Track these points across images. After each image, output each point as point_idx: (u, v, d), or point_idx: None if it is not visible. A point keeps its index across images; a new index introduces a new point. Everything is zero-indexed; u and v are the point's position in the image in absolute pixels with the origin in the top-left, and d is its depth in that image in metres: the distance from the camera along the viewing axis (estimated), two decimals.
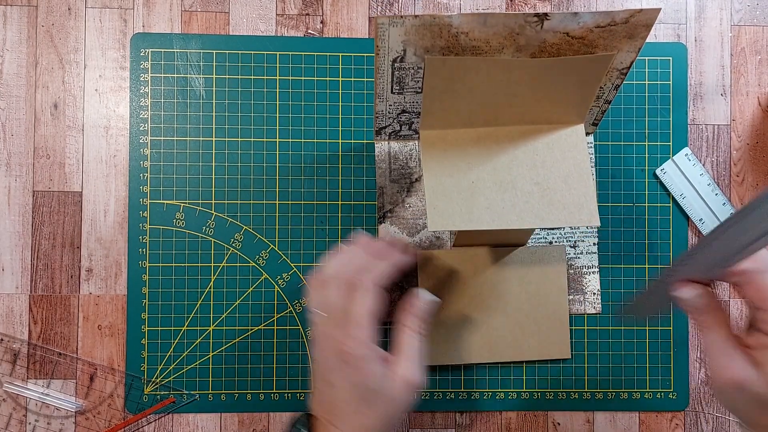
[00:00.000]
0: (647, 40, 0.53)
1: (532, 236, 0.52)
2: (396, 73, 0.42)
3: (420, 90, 0.43)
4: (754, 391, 0.34)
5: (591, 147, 0.52)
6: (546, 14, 0.38)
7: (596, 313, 0.52)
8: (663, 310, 0.45)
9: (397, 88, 0.43)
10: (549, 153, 0.46)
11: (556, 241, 0.52)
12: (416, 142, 0.52)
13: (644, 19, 0.39)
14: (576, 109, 0.46)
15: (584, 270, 0.52)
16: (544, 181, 0.45)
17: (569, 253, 0.52)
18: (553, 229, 0.52)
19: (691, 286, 0.36)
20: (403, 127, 0.49)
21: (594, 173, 0.52)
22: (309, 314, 0.42)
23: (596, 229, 0.52)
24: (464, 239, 0.50)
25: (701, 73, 0.54)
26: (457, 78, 0.42)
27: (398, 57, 0.41)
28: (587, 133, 0.51)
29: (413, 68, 0.42)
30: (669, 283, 0.37)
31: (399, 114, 0.47)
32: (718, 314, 0.36)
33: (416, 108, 0.46)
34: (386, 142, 0.52)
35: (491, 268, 0.51)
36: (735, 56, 0.54)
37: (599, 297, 0.52)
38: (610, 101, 0.47)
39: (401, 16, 0.37)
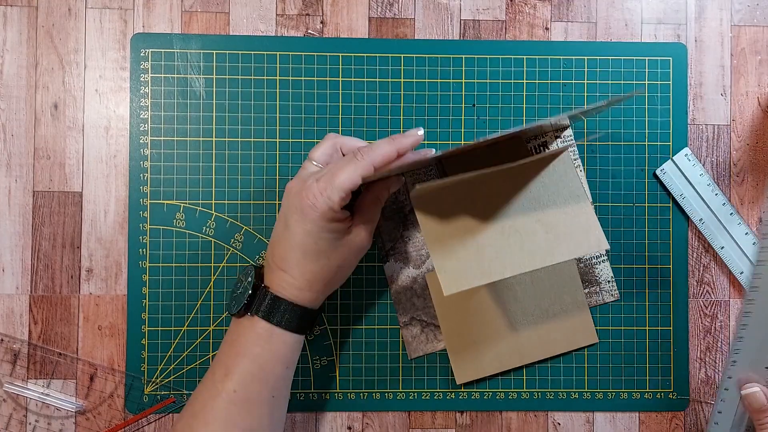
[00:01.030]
0: (647, 40, 0.53)
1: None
2: None
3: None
4: None
5: (571, 137, 0.52)
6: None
7: (615, 300, 0.52)
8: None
9: None
10: (542, 187, 0.45)
11: None
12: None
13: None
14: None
15: (593, 261, 0.52)
16: (544, 217, 0.44)
17: None
18: None
19: (754, 384, 0.38)
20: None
21: (589, 192, 0.52)
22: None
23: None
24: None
25: (701, 74, 0.54)
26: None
27: None
28: (565, 127, 0.51)
29: None
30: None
31: None
32: None
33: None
34: None
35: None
36: (735, 56, 0.54)
37: (614, 284, 0.52)
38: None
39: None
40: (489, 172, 0.43)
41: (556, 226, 0.44)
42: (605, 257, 0.52)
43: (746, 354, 0.38)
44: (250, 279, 0.43)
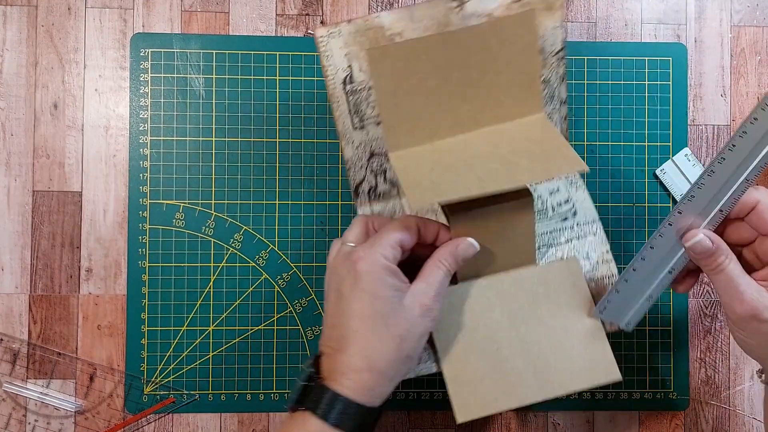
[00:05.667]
0: (647, 40, 0.53)
1: (540, 257, 0.46)
2: (350, 98, 0.42)
3: (380, 121, 0.43)
4: None
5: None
6: None
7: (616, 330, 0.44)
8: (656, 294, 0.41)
9: (357, 120, 0.43)
10: (519, 143, 0.43)
11: (567, 255, 0.46)
12: (398, 199, 0.48)
13: None
14: (529, 97, 0.44)
15: (605, 280, 0.46)
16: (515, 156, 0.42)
17: (584, 266, 0.46)
18: (560, 244, 0.46)
19: (696, 231, 0.37)
20: (378, 179, 0.47)
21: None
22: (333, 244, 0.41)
23: (606, 237, 0.47)
24: (468, 269, 0.44)
25: (701, 74, 0.54)
26: (403, 71, 0.41)
27: (347, 76, 0.42)
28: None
29: (365, 90, 0.42)
30: (670, 239, 0.39)
31: (369, 159, 0.45)
32: (728, 254, 0.37)
33: (383, 147, 0.45)
34: (368, 206, 0.48)
35: (506, 299, 0.44)
36: (735, 57, 0.54)
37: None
38: (565, 100, 0.46)
39: (336, 24, 0.40)
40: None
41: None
42: (616, 277, 0.46)
43: (700, 201, 0.37)
44: (305, 368, 0.38)
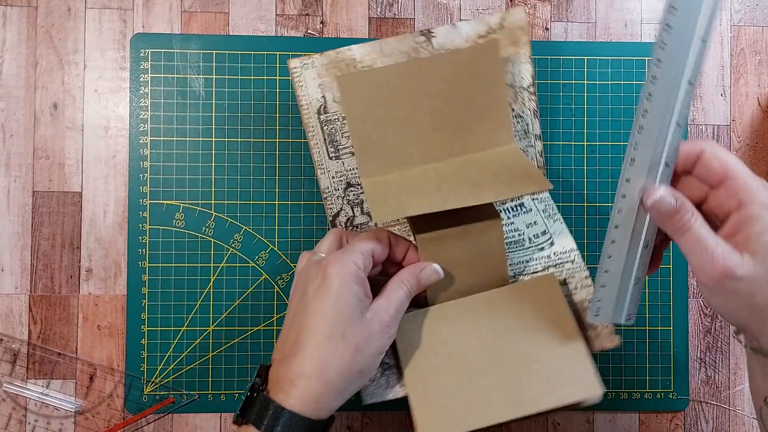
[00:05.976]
0: (647, 40, 0.53)
1: (512, 279, 0.45)
2: (325, 128, 0.43)
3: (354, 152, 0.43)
4: (743, 276, 0.33)
5: (547, 200, 0.48)
6: (430, 30, 0.43)
7: (618, 346, 0.43)
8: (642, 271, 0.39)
9: (333, 150, 0.43)
10: (488, 168, 0.43)
11: None
12: None
13: (516, 21, 0.42)
14: (500, 127, 0.44)
15: (585, 304, 0.44)
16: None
17: (563, 291, 0.44)
18: (536, 272, 0.46)
19: (654, 187, 0.35)
20: (355, 210, 0.47)
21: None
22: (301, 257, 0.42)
23: (584, 261, 0.46)
24: (439, 293, 0.44)
25: (701, 74, 0.54)
26: (373, 98, 0.42)
27: (321, 106, 0.43)
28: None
29: (339, 120, 0.43)
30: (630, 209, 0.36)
31: (345, 189, 0.46)
32: (693, 211, 0.34)
33: (359, 177, 0.45)
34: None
35: (478, 318, 0.43)
36: (735, 56, 0.54)
37: (612, 325, 0.43)
38: (540, 135, 0.46)
39: (309, 56, 0.43)
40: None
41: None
42: (589, 283, 0.46)
43: (642, 162, 0.35)
44: (251, 379, 0.38)
